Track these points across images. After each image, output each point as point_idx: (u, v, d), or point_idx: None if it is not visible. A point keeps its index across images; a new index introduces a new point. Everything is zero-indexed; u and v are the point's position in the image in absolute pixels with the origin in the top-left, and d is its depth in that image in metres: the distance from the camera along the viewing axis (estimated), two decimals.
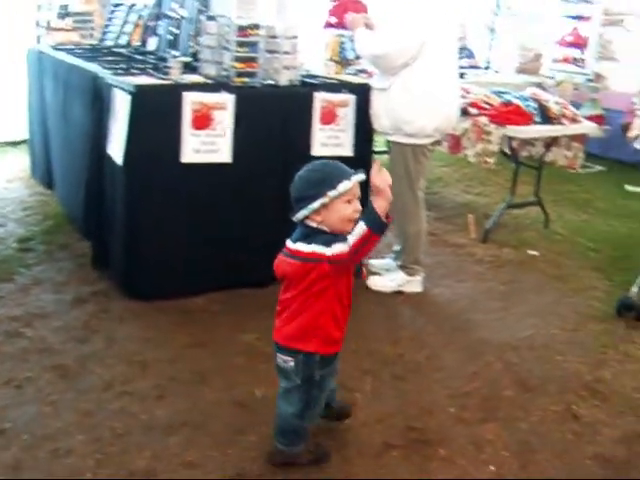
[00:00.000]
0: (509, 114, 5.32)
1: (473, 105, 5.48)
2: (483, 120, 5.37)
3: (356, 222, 2.40)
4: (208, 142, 3.81)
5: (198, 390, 3.20)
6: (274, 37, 4.05)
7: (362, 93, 4.34)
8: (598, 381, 3.57)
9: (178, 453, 2.77)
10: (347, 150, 4.36)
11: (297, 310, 2.54)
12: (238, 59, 3.93)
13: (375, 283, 4.45)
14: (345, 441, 2.93)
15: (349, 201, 2.48)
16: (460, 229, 5.75)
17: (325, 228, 2.49)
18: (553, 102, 5.62)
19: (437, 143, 4.48)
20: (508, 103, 5.41)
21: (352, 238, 2.36)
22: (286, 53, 4.09)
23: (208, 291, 4.11)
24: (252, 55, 3.97)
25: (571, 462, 2.91)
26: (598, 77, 8.60)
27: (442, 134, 4.38)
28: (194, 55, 4.40)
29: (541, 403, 3.33)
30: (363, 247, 2.36)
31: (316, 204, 2.45)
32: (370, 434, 2.97)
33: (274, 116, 4.04)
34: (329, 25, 7.55)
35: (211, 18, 4.16)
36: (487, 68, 9.58)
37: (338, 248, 2.39)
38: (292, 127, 4.14)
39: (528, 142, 5.87)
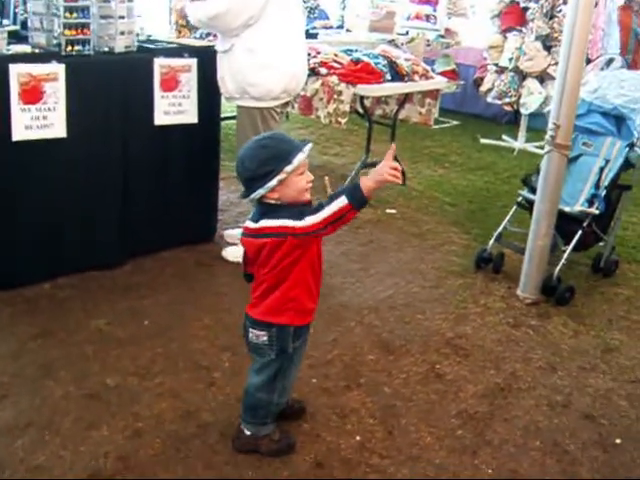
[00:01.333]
0: (359, 72, 5.25)
1: (323, 64, 5.39)
2: (333, 80, 5.28)
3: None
4: (40, 117, 3.52)
5: (44, 385, 2.96)
6: (107, 1, 3.78)
7: (205, 56, 4.15)
8: (460, 337, 3.60)
9: (24, 457, 2.54)
10: (192, 117, 4.17)
11: (271, 285, 2.47)
12: (68, 26, 3.63)
13: (232, 254, 4.27)
14: (205, 423, 2.79)
15: (301, 172, 2.37)
16: (317, 191, 5.63)
17: (283, 202, 2.39)
18: (403, 59, 5.60)
19: (286, 105, 4.34)
20: (358, 61, 5.34)
21: (327, 210, 2.29)
22: (121, 17, 3.82)
23: (54, 277, 3.84)
24: (83, 21, 3.68)
25: (436, 423, 2.91)
26: (450, 33, 8.69)
27: (290, 95, 4.22)
28: (24, 24, 4.05)
29: (404, 365, 3.32)
30: (339, 220, 2.31)
31: (274, 182, 2.32)
32: (231, 412, 2.83)
33: (111, 85, 3.78)
34: None
35: None
36: (340, 27, 9.49)
37: (310, 220, 2.30)
38: (131, 96, 3.89)
39: (381, 100, 5.85)
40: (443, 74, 6.97)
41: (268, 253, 2.41)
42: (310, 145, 2.42)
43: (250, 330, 2.54)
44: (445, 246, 4.78)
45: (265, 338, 2.51)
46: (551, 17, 6.59)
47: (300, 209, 2.36)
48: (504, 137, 7.71)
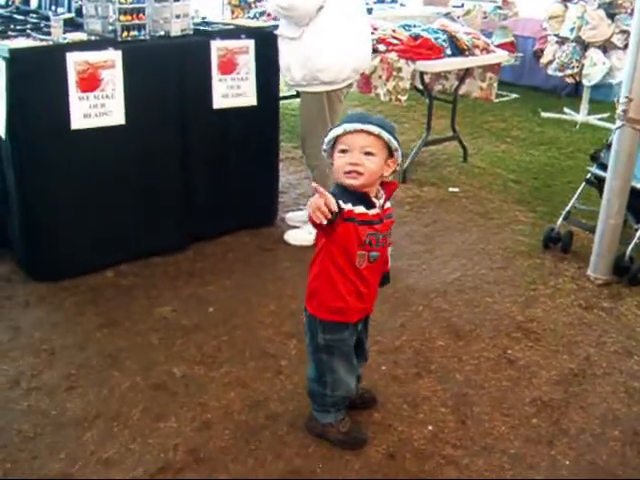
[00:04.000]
0: (419, 48, 5.12)
1: (381, 41, 5.27)
2: (392, 56, 5.16)
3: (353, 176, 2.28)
4: (98, 105, 3.50)
5: (111, 376, 2.96)
6: None
7: (262, 38, 4.09)
8: (530, 320, 3.49)
9: (94, 450, 2.54)
10: (251, 99, 4.11)
11: (310, 268, 2.44)
12: (123, 11, 3.60)
13: (294, 237, 4.24)
14: (274, 413, 2.75)
15: (343, 151, 2.28)
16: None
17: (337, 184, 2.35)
18: (463, 33, 5.45)
19: (350, 85, 4.26)
20: (417, 37, 5.21)
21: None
22: (176, 0, 3.77)
23: (117, 263, 3.84)
24: (138, 6, 3.64)
25: (510, 411, 2.82)
26: (507, 4, 8.44)
27: (358, 75, 4.22)
28: (78, 11, 4.03)
29: (474, 350, 3.23)
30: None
31: (322, 152, 2.40)
32: (300, 402, 2.79)
33: (168, 70, 3.74)
34: None
35: None
36: (394, 2, 9.31)
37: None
38: (189, 80, 3.85)
39: (441, 76, 5.71)
40: (501, 46, 6.78)
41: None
42: (356, 125, 2.27)
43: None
44: (511, 225, 4.64)
45: (305, 321, 2.50)
46: None
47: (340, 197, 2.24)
48: (566, 110, 7.47)
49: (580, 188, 4.23)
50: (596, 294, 3.76)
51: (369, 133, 2.27)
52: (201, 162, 4.03)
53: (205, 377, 2.96)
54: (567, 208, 4.22)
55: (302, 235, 4.21)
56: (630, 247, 3.86)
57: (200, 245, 4.13)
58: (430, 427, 2.70)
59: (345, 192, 2.30)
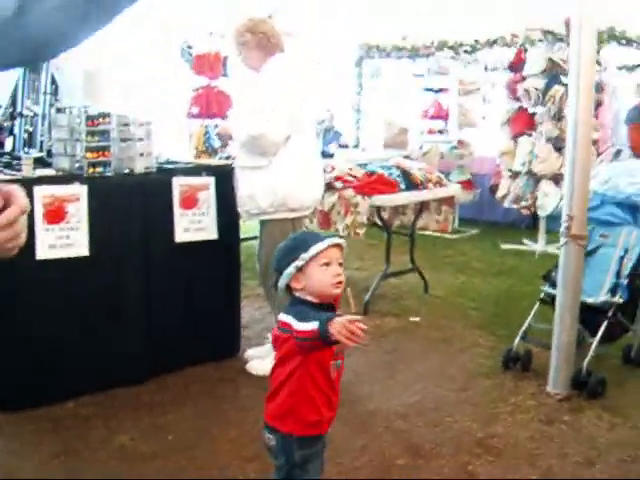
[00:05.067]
0: (374, 184, 5.36)
1: (338, 179, 5.51)
2: (349, 192, 5.39)
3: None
4: (63, 236, 3.62)
5: None
6: (126, 125, 3.95)
7: (222, 175, 4.28)
8: (491, 436, 3.50)
9: None
10: (212, 233, 4.25)
11: (277, 387, 2.41)
12: (90, 149, 3.79)
13: (256, 368, 4.22)
14: None
15: (326, 264, 2.35)
16: (341, 305, 5.65)
17: (310, 298, 2.36)
18: (417, 168, 5.72)
19: (309, 220, 4.47)
20: (372, 173, 5.46)
21: (301, 324, 2.21)
22: (140, 140, 3.98)
23: (79, 395, 3.82)
24: (104, 144, 3.84)
25: None
26: (462, 144, 8.90)
27: (316, 203, 4.48)
28: (49, 152, 4.23)
29: (435, 467, 3.22)
30: (305, 341, 2.22)
31: (291, 268, 2.34)
32: None
33: (132, 204, 3.89)
34: (192, 115, 7.53)
35: (60, 110, 4.03)
36: (356, 147, 9.77)
37: (303, 326, 2.21)
38: (152, 214, 4.00)
39: (399, 211, 5.94)
40: (459, 184, 7.10)
41: (278, 348, 2.39)
42: (335, 239, 2.41)
43: (264, 433, 2.46)
44: (471, 349, 4.71)
45: (273, 443, 2.43)
46: (559, 119, 6.73)
47: (309, 312, 2.28)
48: (525, 241, 7.73)
49: (535, 307, 4.34)
50: (556, 408, 3.80)
51: (341, 247, 2.40)
52: (164, 294, 4.10)
53: None
54: (523, 328, 4.31)
55: (264, 365, 4.20)
56: (586, 360, 3.93)
57: (162, 377, 4.11)
58: None
59: (314, 306, 2.35)
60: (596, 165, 4.42)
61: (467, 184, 8.32)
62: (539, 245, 7.44)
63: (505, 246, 7.72)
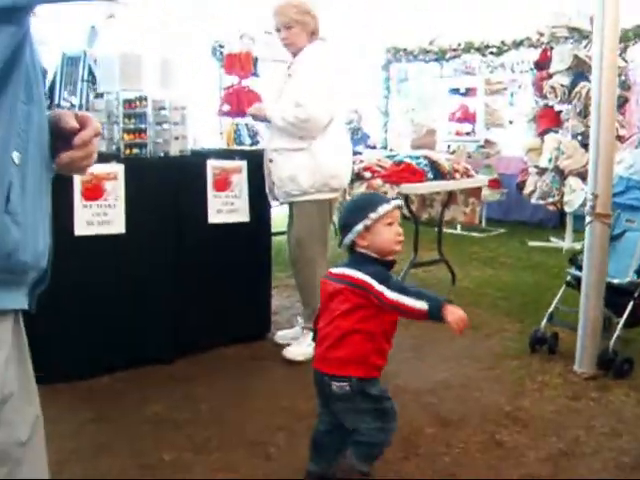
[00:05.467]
0: (402, 172, 5.44)
1: (367, 169, 5.60)
2: (377, 182, 5.48)
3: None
4: (100, 213, 3.74)
5: (101, 462, 3.00)
6: (162, 108, 4.07)
7: (254, 159, 4.38)
8: (518, 409, 3.56)
9: None
10: (243, 216, 4.35)
11: (342, 336, 2.59)
12: (126, 131, 3.91)
13: (294, 352, 4.25)
14: None
15: (390, 224, 2.60)
16: None
17: (373, 254, 2.62)
18: (444, 159, 5.79)
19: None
20: (400, 163, 5.54)
21: (408, 300, 2.44)
22: (175, 124, 4.10)
23: (112, 371, 3.93)
24: (140, 126, 3.96)
25: None
26: (489, 143, 8.96)
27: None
28: None
29: (463, 436, 3.27)
30: (405, 313, 2.51)
31: (360, 226, 2.58)
32: None
33: (167, 185, 4.01)
34: (223, 113, 7.67)
35: (99, 96, 4.16)
36: (384, 148, 9.86)
37: (393, 296, 2.46)
38: (186, 196, 4.11)
39: (426, 204, 6.01)
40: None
41: (342, 300, 2.58)
42: (398, 201, 2.69)
43: (326, 382, 2.64)
44: (499, 334, 4.76)
45: (347, 388, 2.59)
46: (585, 115, 6.77)
47: (384, 271, 2.56)
48: (552, 239, 7.76)
49: (561, 290, 4.39)
50: (583, 386, 3.84)
51: (401, 208, 2.73)
52: (195, 274, 4.20)
53: (194, 462, 3.00)
54: (550, 309, 4.36)
55: (302, 350, 4.25)
56: (612, 340, 3.97)
57: (193, 354, 4.21)
58: None
59: (375, 261, 2.61)
60: (621, 151, 4.46)
61: (494, 183, 8.36)
62: (566, 242, 7.46)
63: (532, 243, 7.75)
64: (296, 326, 4.62)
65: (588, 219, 3.82)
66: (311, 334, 4.17)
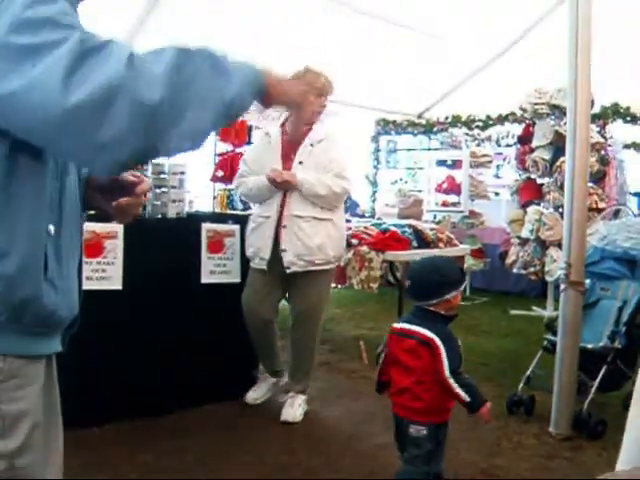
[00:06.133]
0: (387, 240, 5.68)
1: (354, 236, 5.83)
2: (364, 249, 5.70)
3: None
4: (99, 269, 3.92)
5: None
6: (162, 173, 4.30)
7: (246, 223, 4.58)
8: (494, 467, 3.70)
9: None
10: (235, 277, 4.57)
11: (418, 387, 2.97)
12: None
13: (292, 415, 4.33)
14: None
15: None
16: (353, 358, 5.91)
17: (445, 314, 3.04)
18: (428, 229, 6.03)
19: None
20: (385, 231, 5.78)
21: (456, 387, 2.91)
22: (173, 187, 4.32)
23: (103, 422, 4.05)
24: None
25: None
26: (474, 214, 9.24)
27: None
28: None
29: None
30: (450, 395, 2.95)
31: (453, 294, 3.01)
32: None
33: (163, 246, 4.20)
34: (217, 179, 7.93)
35: None
36: (371, 217, 10.13)
37: (457, 389, 2.91)
38: (181, 256, 4.31)
39: None
40: (470, 254, 7.42)
41: (417, 355, 2.97)
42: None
43: (404, 426, 3.03)
44: None
45: (425, 432, 2.97)
46: None
47: (450, 337, 3.00)
48: (534, 308, 7.96)
49: (538, 355, 4.57)
50: (557, 447, 3.98)
51: None
52: (188, 332, 4.35)
53: None
54: (527, 373, 4.54)
55: (295, 412, 4.35)
56: (587, 402, 4.13)
57: (184, 410, 4.33)
58: None
59: (449, 319, 3.09)
60: (596, 223, 4.71)
61: (478, 253, 8.61)
62: (548, 311, 7.66)
63: (514, 312, 7.95)
64: (261, 384, 4.76)
65: (562, 287, 4.04)
66: (304, 397, 4.32)
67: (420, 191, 10.41)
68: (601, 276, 4.52)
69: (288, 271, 4.30)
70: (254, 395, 4.68)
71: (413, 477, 2.99)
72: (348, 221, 7.27)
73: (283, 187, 4.27)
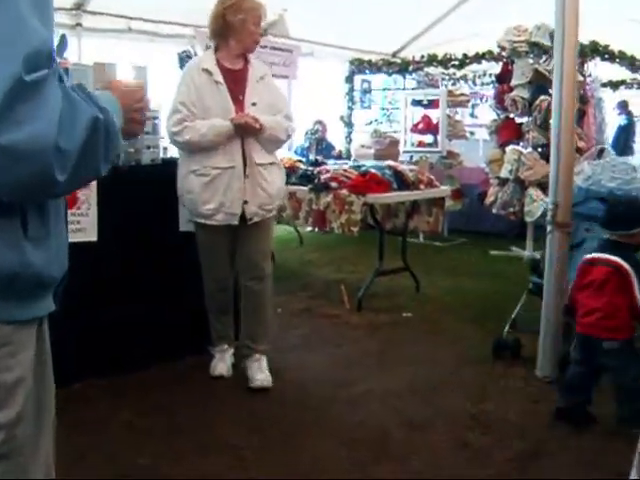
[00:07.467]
0: (367, 183, 5.56)
1: (333, 179, 5.70)
2: (344, 192, 5.58)
3: None
4: (74, 221, 3.77)
5: (75, 471, 3.02)
6: None
7: None
8: (483, 412, 3.68)
9: None
10: None
11: (614, 309, 3.42)
12: None
13: (267, 380, 4.02)
14: None
15: None
16: (335, 303, 5.85)
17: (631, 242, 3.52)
18: (408, 170, 5.93)
19: None
20: (365, 173, 5.66)
21: None
22: (147, 133, 4.14)
23: (86, 377, 3.95)
24: None
25: None
26: (451, 154, 9.13)
27: None
28: None
29: (430, 439, 3.39)
30: None
31: None
32: None
33: (138, 193, 4.06)
34: None
35: None
36: (348, 158, 9.98)
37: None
38: (157, 204, 4.16)
39: (391, 214, 6.13)
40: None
41: (612, 282, 3.43)
42: None
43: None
44: (462, 340, 4.89)
45: (617, 346, 3.42)
46: (545, 128, 6.95)
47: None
48: (513, 248, 7.94)
49: (523, 297, 4.53)
50: (545, 390, 3.97)
51: None
52: (166, 282, 4.25)
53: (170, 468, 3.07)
54: (512, 316, 4.51)
55: (268, 377, 4.04)
56: (573, 345, 4.10)
57: (164, 363, 4.22)
58: None
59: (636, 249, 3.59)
60: (580, 163, 4.63)
61: (456, 194, 8.52)
62: (527, 251, 7.63)
63: (494, 252, 7.93)
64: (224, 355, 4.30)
65: (549, 228, 3.97)
66: (266, 358, 4.12)
67: (396, 132, 10.24)
68: (585, 217, 4.45)
69: (249, 222, 3.94)
70: (221, 369, 4.22)
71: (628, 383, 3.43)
72: (324, 163, 7.16)
73: (248, 133, 3.84)
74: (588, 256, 3.59)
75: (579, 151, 6.42)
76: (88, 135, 1.26)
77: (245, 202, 3.89)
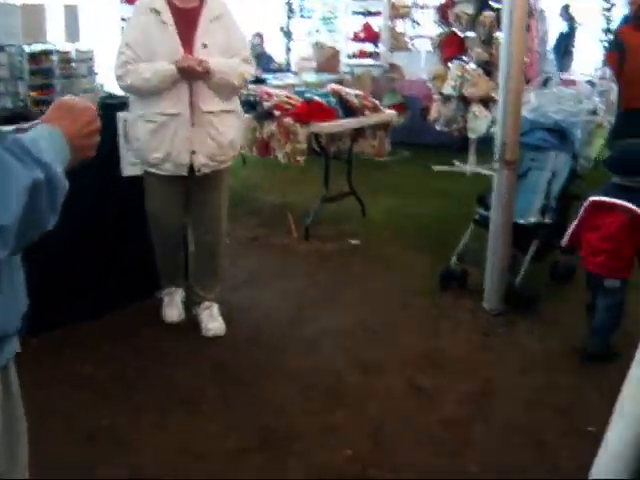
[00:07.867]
0: (312, 111, 5.47)
1: (277, 107, 5.59)
2: (288, 120, 5.49)
3: None
4: None
5: (35, 432, 3.03)
6: (69, 62, 3.95)
7: None
8: (433, 350, 3.78)
9: None
10: None
11: (618, 245, 3.55)
12: (33, 87, 3.80)
13: (219, 329, 3.99)
14: (201, 451, 2.91)
15: None
16: (282, 231, 5.83)
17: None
18: (353, 95, 5.84)
19: None
20: (310, 101, 5.56)
21: None
22: (83, 77, 3.99)
23: (41, 331, 3.89)
24: (47, 82, 3.85)
25: (420, 431, 3.07)
26: (394, 68, 9.01)
27: None
28: None
29: (384, 382, 3.47)
30: None
31: None
32: (223, 442, 2.96)
33: None
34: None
35: (0, 49, 3.99)
36: (288, 71, 9.78)
37: None
38: (98, 149, 4.02)
39: (336, 138, 6.06)
40: (392, 107, 7.24)
41: (621, 224, 3.52)
42: None
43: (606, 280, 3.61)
44: (411, 270, 4.95)
45: (618, 285, 3.59)
46: (489, 44, 6.91)
47: None
48: (455, 162, 7.98)
49: (469, 229, 4.59)
50: (492, 323, 4.09)
51: None
52: (111, 229, 4.16)
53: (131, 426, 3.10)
54: (458, 248, 4.57)
55: (221, 325, 4.02)
56: (518, 278, 4.21)
57: (115, 310, 4.18)
58: (348, 451, 2.92)
59: None
60: (526, 92, 4.61)
61: (399, 107, 8.45)
62: (469, 166, 7.70)
63: (437, 167, 7.96)
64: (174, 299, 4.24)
65: (497, 166, 3.99)
66: (217, 305, 4.08)
67: (336, 41, 10.05)
68: (531, 146, 4.49)
69: (198, 174, 3.75)
70: (172, 315, 4.17)
71: (610, 322, 3.63)
72: (264, 81, 7.00)
73: (194, 77, 3.59)
74: (596, 198, 3.61)
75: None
76: (27, 202, 1.20)
77: (193, 152, 3.69)
